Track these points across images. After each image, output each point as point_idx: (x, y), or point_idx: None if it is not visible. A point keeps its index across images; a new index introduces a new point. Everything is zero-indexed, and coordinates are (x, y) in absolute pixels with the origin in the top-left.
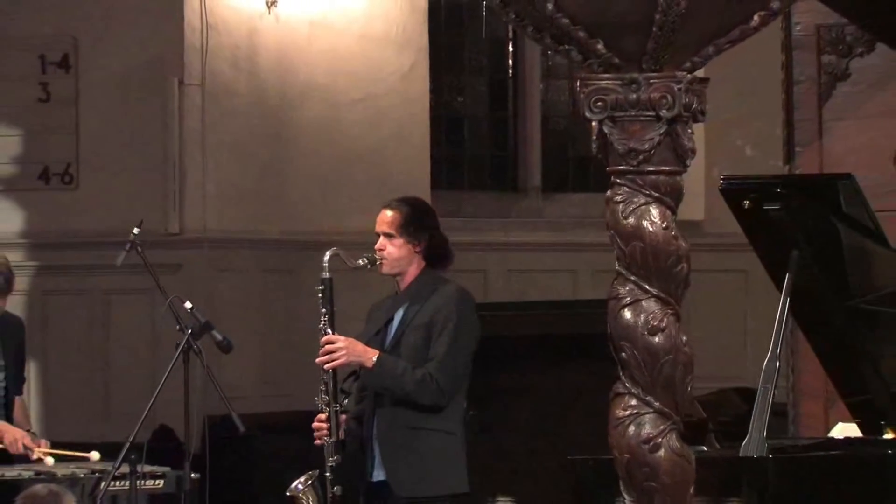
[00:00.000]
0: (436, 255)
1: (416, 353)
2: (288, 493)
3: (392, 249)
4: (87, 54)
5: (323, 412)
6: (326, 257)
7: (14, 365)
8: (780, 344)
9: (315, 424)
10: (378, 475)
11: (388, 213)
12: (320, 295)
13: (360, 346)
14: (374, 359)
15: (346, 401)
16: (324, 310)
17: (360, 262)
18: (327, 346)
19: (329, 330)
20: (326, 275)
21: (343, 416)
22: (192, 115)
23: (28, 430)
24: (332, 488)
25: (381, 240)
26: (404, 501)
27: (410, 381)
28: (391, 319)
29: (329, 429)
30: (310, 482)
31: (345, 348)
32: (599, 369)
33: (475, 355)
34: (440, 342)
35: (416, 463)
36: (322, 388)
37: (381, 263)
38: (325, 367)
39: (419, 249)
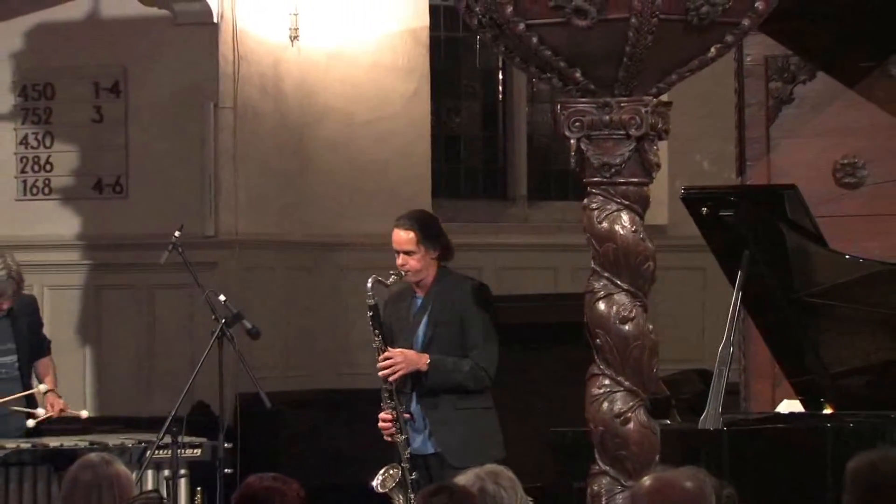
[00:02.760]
0: (445, 253)
1: (453, 344)
2: (379, 490)
3: (413, 263)
4: (134, 81)
5: (390, 414)
6: (370, 284)
7: (28, 340)
8: (734, 331)
9: (382, 425)
10: (424, 449)
11: (404, 235)
12: (370, 319)
13: (413, 355)
14: (428, 362)
15: (404, 401)
16: (376, 331)
17: (392, 279)
18: (387, 362)
19: (384, 346)
20: (372, 301)
21: (406, 416)
22: (226, 134)
23: (52, 390)
24: (411, 475)
25: (402, 256)
26: (453, 469)
27: (461, 373)
28: (421, 319)
29: (398, 428)
30: (392, 475)
31: (402, 361)
32: (577, 353)
33: None
34: (475, 334)
35: (465, 438)
36: (386, 395)
37: (406, 275)
38: (390, 379)
39: (435, 256)
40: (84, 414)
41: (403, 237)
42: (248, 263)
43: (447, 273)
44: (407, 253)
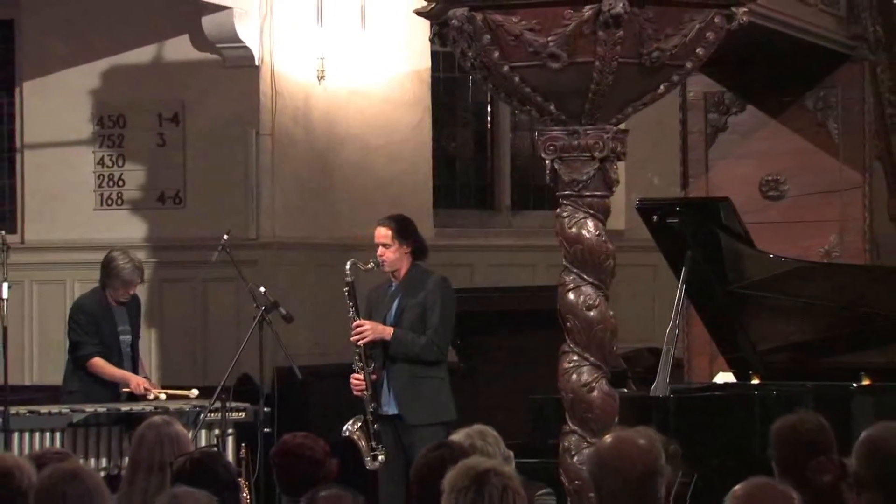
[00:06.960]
0: (418, 250)
1: (415, 324)
2: (345, 434)
3: (389, 255)
4: (191, 113)
5: (358, 373)
6: (347, 266)
7: (135, 330)
8: (679, 316)
9: (353, 382)
10: (390, 409)
11: (383, 230)
12: (346, 294)
13: (380, 326)
14: (391, 333)
15: (372, 364)
16: (351, 304)
17: (370, 265)
18: (358, 329)
19: (357, 317)
20: (349, 279)
21: (374, 376)
22: (265, 156)
23: (145, 376)
24: (374, 426)
25: (381, 248)
26: (412, 427)
27: (418, 346)
28: (393, 302)
29: (366, 385)
30: (357, 424)
31: (370, 328)
32: (551, 334)
33: (465, 324)
34: (433, 316)
35: (422, 401)
36: (356, 357)
37: (383, 264)
38: (360, 343)
39: (408, 250)
40: (194, 392)
41: (382, 232)
42: (284, 261)
43: (418, 268)
44: (384, 245)
